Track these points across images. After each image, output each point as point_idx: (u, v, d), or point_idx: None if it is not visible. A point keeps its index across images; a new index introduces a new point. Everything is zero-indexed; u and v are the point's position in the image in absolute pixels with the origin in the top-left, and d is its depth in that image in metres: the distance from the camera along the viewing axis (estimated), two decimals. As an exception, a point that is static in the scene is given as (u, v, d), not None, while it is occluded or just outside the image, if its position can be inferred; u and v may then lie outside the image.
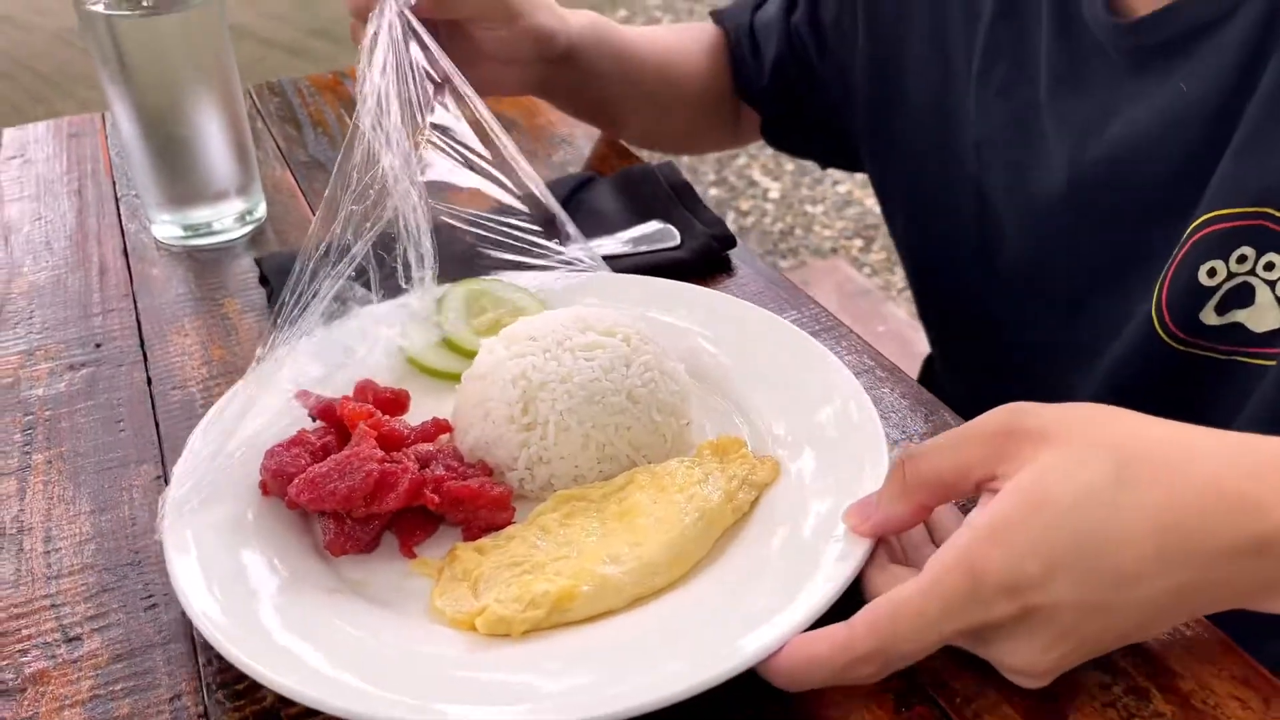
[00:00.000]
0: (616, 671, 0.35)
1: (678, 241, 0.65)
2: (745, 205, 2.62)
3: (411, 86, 0.55)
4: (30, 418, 0.53)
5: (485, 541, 0.43)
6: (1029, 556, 0.33)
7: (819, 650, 0.34)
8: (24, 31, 3.86)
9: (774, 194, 2.67)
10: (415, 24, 0.57)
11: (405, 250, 0.52)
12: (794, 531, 0.41)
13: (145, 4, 0.60)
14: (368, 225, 0.50)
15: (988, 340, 0.69)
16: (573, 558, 0.40)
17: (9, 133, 0.84)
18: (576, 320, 0.48)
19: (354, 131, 0.51)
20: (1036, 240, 0.60)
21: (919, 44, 0.66)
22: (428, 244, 0.52)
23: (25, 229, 0.71)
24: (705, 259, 0.64)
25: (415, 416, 0.49)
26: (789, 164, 2.77)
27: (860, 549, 0.38)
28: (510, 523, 0.43)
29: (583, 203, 0.68)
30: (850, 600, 0.36)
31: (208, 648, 0.39)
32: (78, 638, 0.41)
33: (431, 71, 0.57)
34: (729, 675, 0.34)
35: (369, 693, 0.34)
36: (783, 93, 0.77)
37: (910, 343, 0.74)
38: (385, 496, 0.42)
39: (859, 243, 2.42)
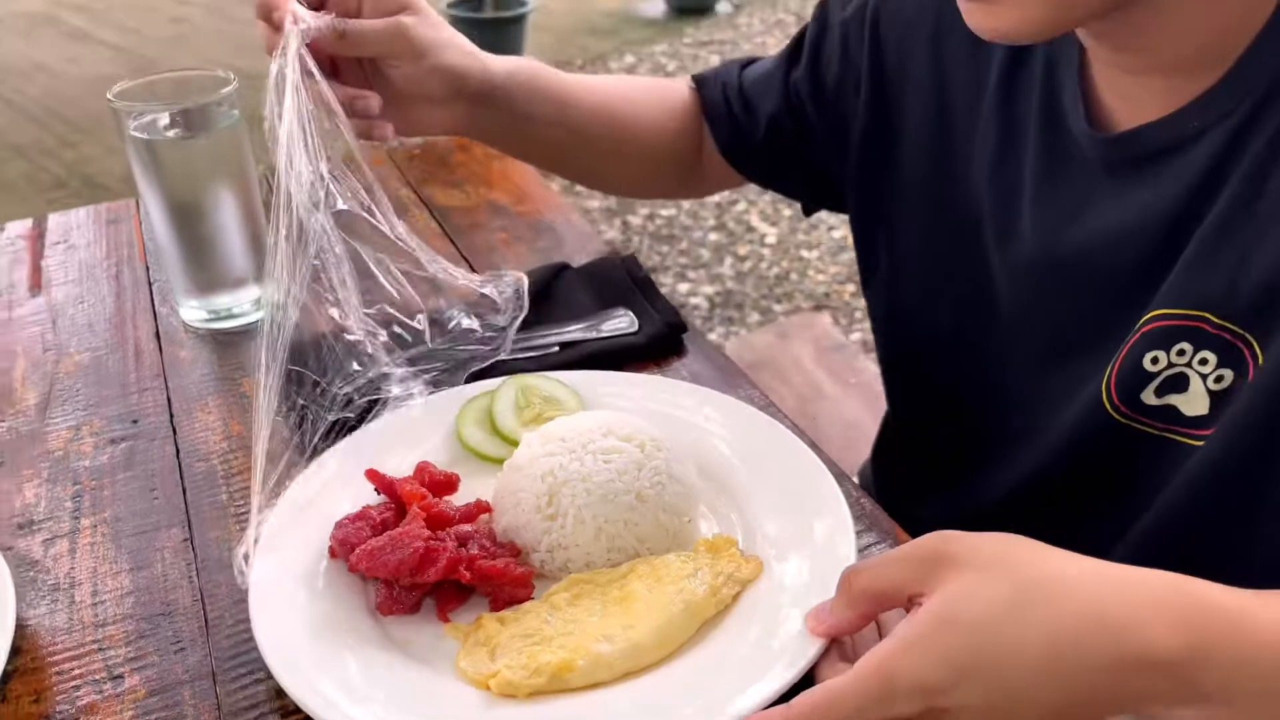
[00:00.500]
0: None
1: (636, 328, 0.74)
2: (743, 250, 2.72)
3: (311, 134, 0.59)
4: (78, 487, 0.63)
5: (506, 613, 0.51)
6: (936, 666, 0.40)
7: None
8: (56, 79, 4.03)
9: (771, 239, 2.77)
10: (313, 65, 0.60)
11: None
12: (765, 627, 0.48)
13: (178, 131, 0.71)
14: (299, 265, 0.56)
15: (946, 400, 0.74)
16: (575, 634, 0.48)
17: (54, 218, 0.95)
18: (601, 425, 0.56)
19: (276, 174, 0.57)
20: (1006, 311, 0.67)
21: (920, 115, 0.71)
22: (349, 280, 0.58)
23: (70, 311, 0.81)
24: (660, 343, 0.73)
25: (465, 494, 0.57)
26: (786, 210, 2.87)
27: (814, 647, 0.46)
28: (529, 598, 0.52)
29: (555, 291, 0.78)
30: (806, 687, 0.42)
31: (227, 684, 0.49)
32: (120, 676, 0.50)
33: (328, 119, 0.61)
34: None
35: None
36: (776, 147, 0.81)
37: (878, 398, 0.82)
38: (427, 570, 0.50)
39: (850, 287, 2.51)
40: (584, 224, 0.92)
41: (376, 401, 0.62)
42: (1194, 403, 0.57)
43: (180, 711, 0.48)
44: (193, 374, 0.73)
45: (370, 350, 0.61)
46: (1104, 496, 0.64)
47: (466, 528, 0.54)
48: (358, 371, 0.62)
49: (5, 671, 0.49)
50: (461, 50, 0.71)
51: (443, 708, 0.46)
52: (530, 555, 0.54)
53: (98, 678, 0.50)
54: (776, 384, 1.35)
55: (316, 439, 0.59)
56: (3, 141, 3.43)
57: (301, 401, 0.61)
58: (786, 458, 0.59)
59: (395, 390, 0.62)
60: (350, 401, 0.61)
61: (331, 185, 0.60)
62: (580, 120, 0.79)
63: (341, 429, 0.61)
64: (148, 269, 0.87)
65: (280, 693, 0.47)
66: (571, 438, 0.55)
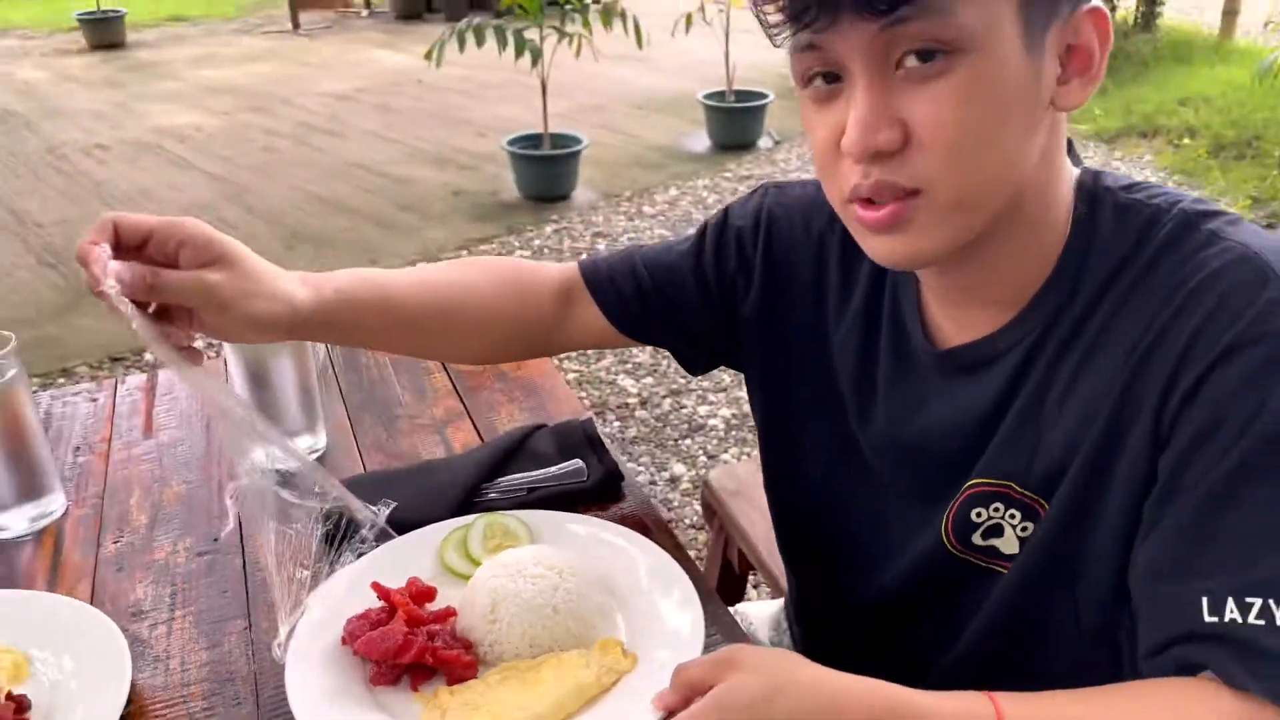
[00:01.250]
0: None
1: (585, 477, 0.99)
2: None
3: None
4: (174, 587, 0.89)
5: (457, 687, 0.74)
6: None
7: None
8: (159, 204, 4.50)
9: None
10: (128, 308, 0.67)
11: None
12: (631, 701, 0.71)
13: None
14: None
15: (824, 539, 0.93)
16: (501, 703, 0.71)
17: (162, 374, 1.24)
18: (534, 556, 0.80)
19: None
20: (869, 466, 0.86)
21: (803, 306, 0.86)
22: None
23: (173, 452, 1.08)
24: (602, 487, 0.98)
25: (443, 600, 0.81)
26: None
27: (655, 718, 0.67)
28: (473, 677, 0.75)
29: (528, 445, 1.03)
30: None
31: (266, 729, 0.73)
32: (197, 721, 0.75)
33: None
34: None
35: None
36: (666, 316, 0.92)
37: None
38: (404, 654, 0.74)
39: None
40: (565, 389, 1.18)
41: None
42: (1008, 545, 0.76)
43: (235, 745, 0.72)
44: (255, 506, 0.99)
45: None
46: (933, 613, 0.84)
47: (436, 626, 0.78)
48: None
49: (122, 716, 0.74)
50: (269, 296, 0.75)
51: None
52: (478, 648, 0.77)
53: (182, 721, 0.75)
54: (749, 509, 1.57)
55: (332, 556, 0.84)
56: (109, 263, 3.86)
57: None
58: (668, 579, 0.82)
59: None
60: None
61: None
62: (418, 320, 0.88)
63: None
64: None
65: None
66: (512, 564, 0.79)
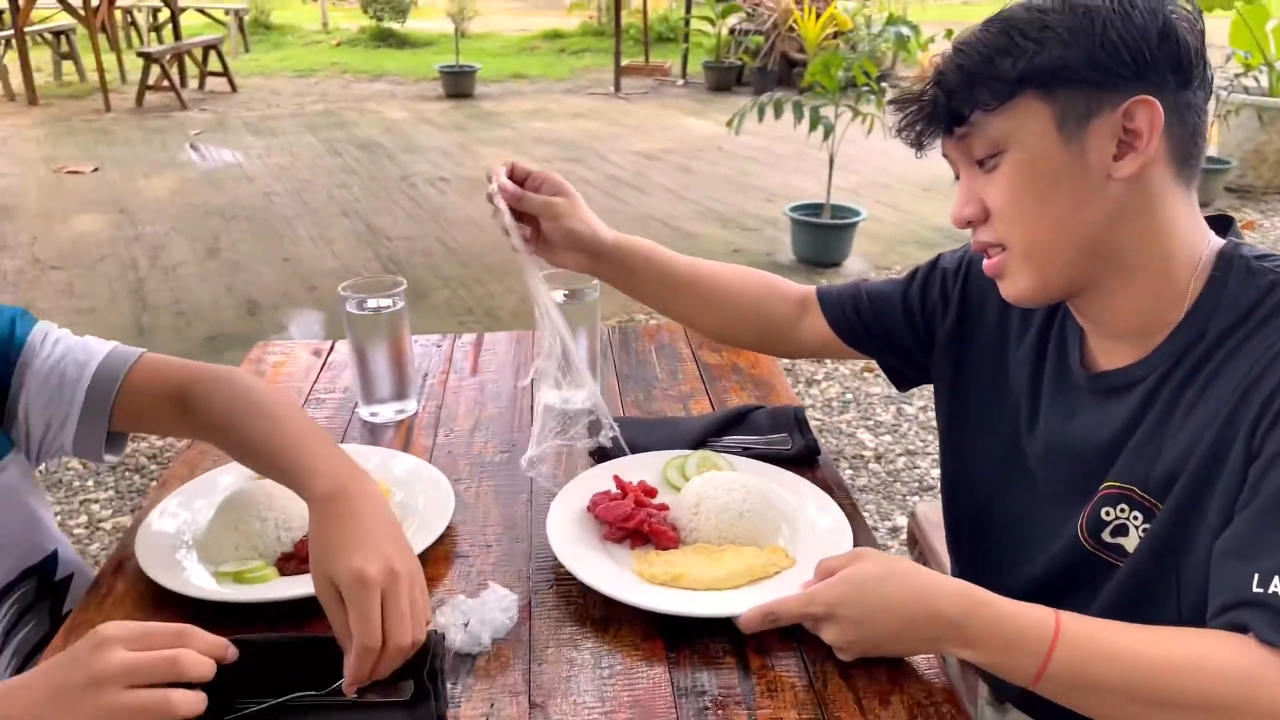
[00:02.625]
0: (691, 603, 0.96)
1: (789, 445, 1.26)
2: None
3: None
4: (482, 469, 1.25)
5: (663, 552, 1.04)
6: (834, 591, 0.88)
7: (754, 616, 0.92)
8: (480, 231, 5.23)
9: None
10: (504, 208, 1.09)
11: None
12: (784, 585, 0.97)
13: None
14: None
15: (986, 534, 1.11)
16: (692, 565, 1.01)
17: (487, 336, 1.65)
18: (733, 477, 1.11)
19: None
20: (1028, 477, 1.05)
21: (987, 336, 1.07)
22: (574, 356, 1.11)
23: (490, 386, 1.47)
24: (802, 456, 1.24)
25: (659, 501, 1.12)
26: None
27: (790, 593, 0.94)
28: (675, 548, 1.05)
29: (750, 418, 1.32)
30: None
31: (537, 568, 1.07)
32: (469, 553, 1.09)
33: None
34: (727, 615, 0.93)
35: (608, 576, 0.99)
36: (882, 334, 1.17)
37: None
38: (630, 520, 1.05)
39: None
40: (785, 384, 1.46)
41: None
42: (1130, 543, 0.90)
43: (516, 571, 1.06)
44: (540, 382, 1.34)
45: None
46: (1058, 602, 0.98)
47: (653, 510, 1.08)
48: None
49: (441, 536, 1.09)
50: (585, 223, 1.12)
51: (625, 581, 1.00)
52: (681, 531, 1.07)
53: (467, 552, 1.10)
54: (944, 539, 1.75)
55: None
56: (437, 274, 4.58)
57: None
58: (830, 517, 1.09)
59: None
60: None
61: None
62: (674, 283, 1.19)
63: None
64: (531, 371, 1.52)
65: (561, 571, 1.03)
66: (716, 479, 1.09)
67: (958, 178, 0.94)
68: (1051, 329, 1.03)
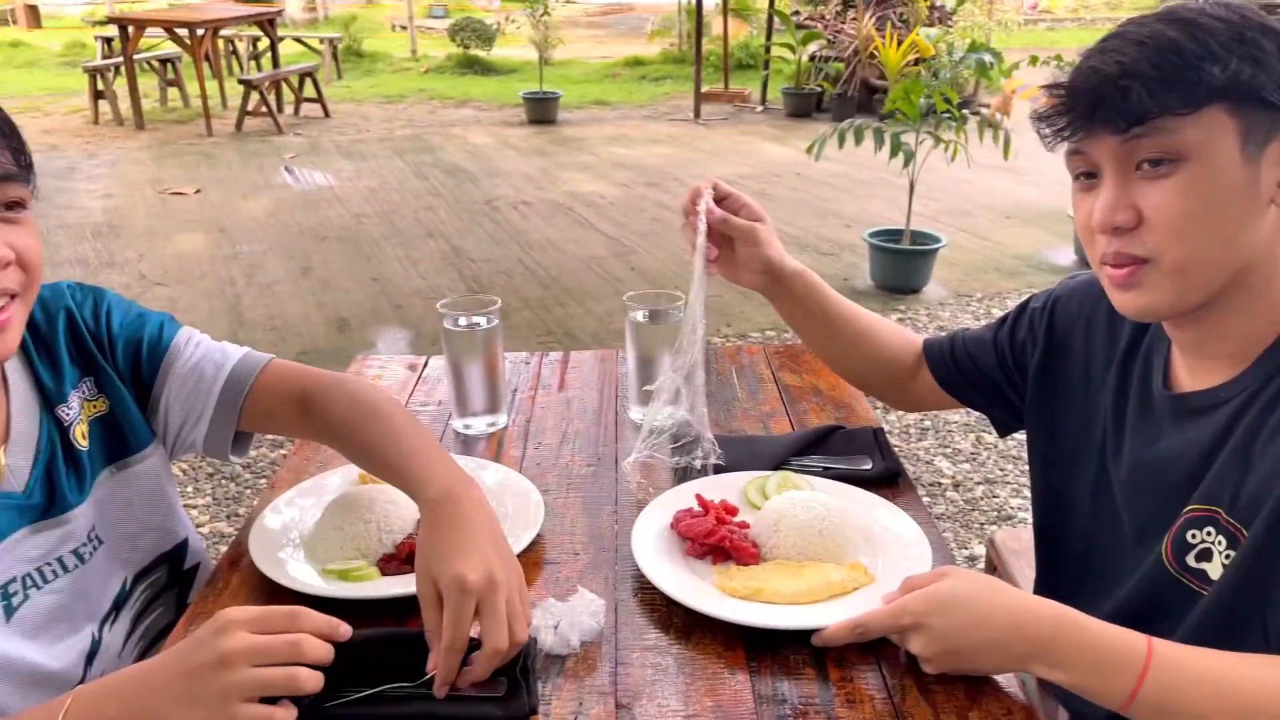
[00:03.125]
0: (772, 616, 0.98)
1: (870, 467, 1.28)
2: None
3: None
4: (569, 481, 1.30)
5: (743, 568, 1.07)
6: (924, 604, 0.90)
7: (841, 629, 0.94)
8: (561, 254, 5.32)
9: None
10: (703, 228, 1.15)
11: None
12: (863, 601, 0.99)
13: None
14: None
15: (1077, 563, 1.11)
16: (771, 580, 1.04)
17: (574, 354, 1.70)
18: (812, 496, 1.14)
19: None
20: (1115, 505, 1.05)
21: (1074, 368, 1.10)
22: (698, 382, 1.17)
23: (576, 402, 1.52)
24: (882, 477, 1.26)
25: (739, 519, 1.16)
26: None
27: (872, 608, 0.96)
28: (755, 564, 1.08)
29: (829, 440, 1.35)
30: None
31: (621, 577, 1.11)
32: (561, 562, 1.14)
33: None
34: (807, 628, 0.96)
35: (690, 589, 1.03)
36: (977, 379, 1.22)
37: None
38: (712, 537, 1.08)
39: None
40: (864, 405, 1.48)
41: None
42: (1215, 570, 0.89)
43: (603, 579, 1.10)
44: (625, 440, 1.39)
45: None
46: (1144, 630, 1.00)
47: (734, 528, 1.12)
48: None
49: (531, 543, 1.14)
50: (775, 250, 1.20)
51: (707, 594, 1.03)
52: (761, 548, 1.10)
53: (556, 559, 1.14)
54: (1026, 569, 1.74)
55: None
56: (518, 295, 4.68)
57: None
58: (912, 536, 1.10)
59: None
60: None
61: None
62: (832, 318, 1.24)
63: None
64: (616, 388, 1.57)
65: (645, 582, 1.07)
66: (796, 497, 1.12)
67: (1077, 178, 0.92)
68: (1137, 352, 1.04)
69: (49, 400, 1.03)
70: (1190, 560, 0.91)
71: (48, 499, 1.01)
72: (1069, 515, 1.12)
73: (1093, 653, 0.84)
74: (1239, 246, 0.86)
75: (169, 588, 1.16)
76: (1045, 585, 1.20)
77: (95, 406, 1.07)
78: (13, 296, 0.92)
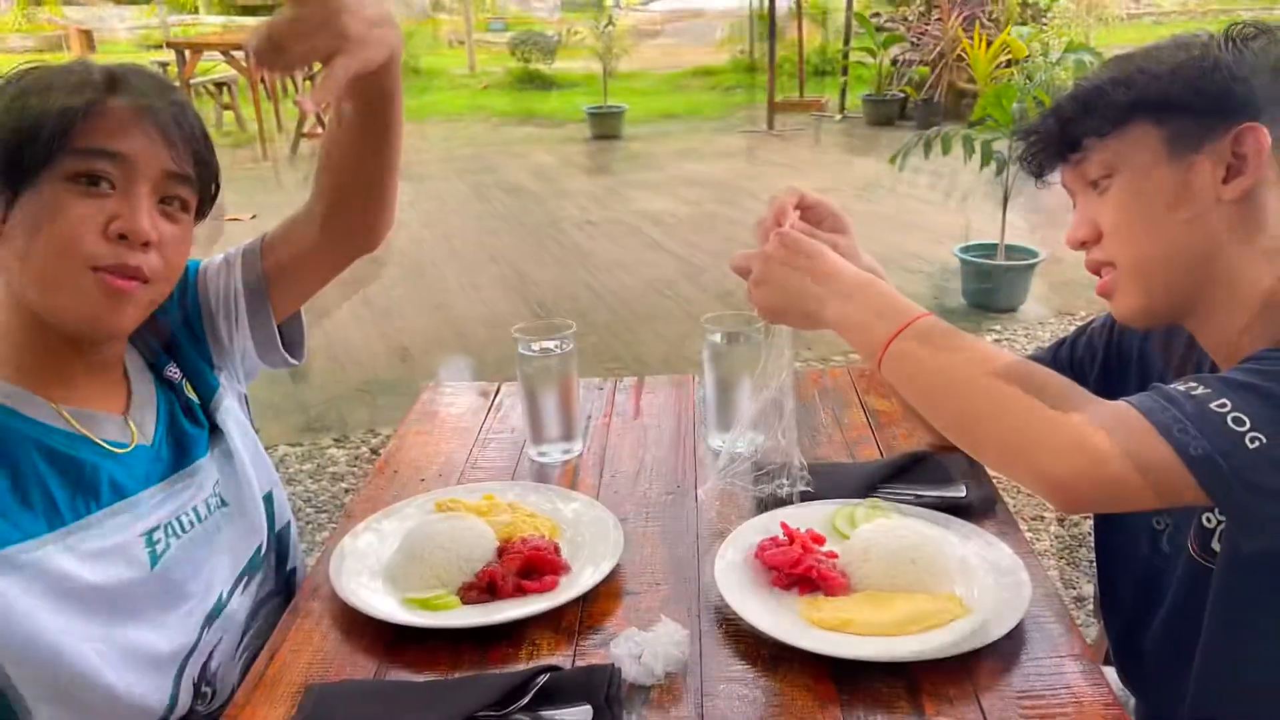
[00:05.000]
0: (854, 647, 1.02)
1: (964, 494, 1.31)
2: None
3: None
4: (648, 510, 1.34)
5: (831, 599, 1.10)
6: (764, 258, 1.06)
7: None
8: (630, 276, 5.41)
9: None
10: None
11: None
12: (958, 635, 1.02)
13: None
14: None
15: (1128, 567, 1.19)
16: (860, 611, 1.08)
17: (648, 379, 1.76)
18: (904, 523, 1.17)
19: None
20: (1166, 518, 1.12)
21: (1132, 384, 1.17)
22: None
23: (652, 430, 1.57)
24: (977, 505, 1.29)
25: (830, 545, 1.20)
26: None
27: (966, 649, 1.01)
28: (844, 595, 1.11)
29: (918, 465, 1.37)
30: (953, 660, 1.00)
31: (708, 604, 1.15)
32: (641, 592, 1.18)
33: None
34: (899, 660, 1.00)
35: (776, 620, 1.07)
36: None
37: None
38: (799, 566, 1.12)
39: None
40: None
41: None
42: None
43: (685, 609, 1.14)
44: (704, 468, 1.43)
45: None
46: (1195, 628, 1.06)
47: (822, 558, 1.15)
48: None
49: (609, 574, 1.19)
50: (861, 265, 1.19)
51: (794, 625, 1.07)
52: (850, 578, 1.13)
53: (636, 589, 1.19)
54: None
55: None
56: (585, 319, 4.76)
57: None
58: (1010, 567, 1.12)
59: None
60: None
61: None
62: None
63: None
64: (694, 415, 1.62)
65: (728, 612, 1.11)
66: (886, 525, 1.16)
67: (1075, 206, 1.07)
68: (1188, 365, 1.10)
69: (155, 367, 1.22)
70: (1214, 544, 1.01)
71: (175, 453, 1.17)
72: (1123, 529, 1.19)
73: (886, 301, 1.00)
74: (1187, 244, 0.97)
75: (276, 592, 1.29)
76: (1106, 601, 1.28)
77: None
78: (145, 282, 1.07)
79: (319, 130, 9.07)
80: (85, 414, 1.10)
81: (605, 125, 9.59)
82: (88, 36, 17.28)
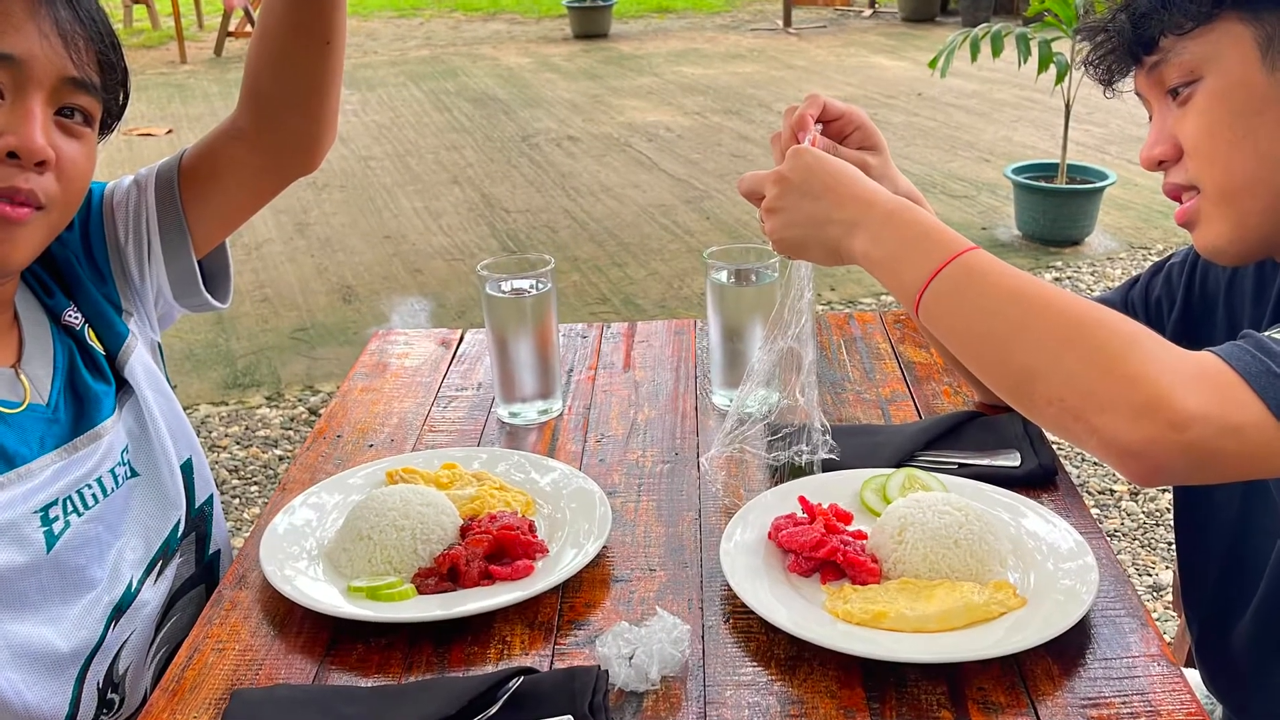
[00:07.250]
0: (887, 646, 1.01)
1: (1019, 464, 1.30)
2: None
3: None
4: (641, 480, 1.33)
5: (860, 587, 1.09)
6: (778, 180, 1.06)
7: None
8: (619, 202, 5.38)
9: None
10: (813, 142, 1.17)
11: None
12: (1012, 633, 1.01)
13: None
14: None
15: (1215, 546, 1.21)
16: (894, 604, 1.06)
17: (640, 325, 1.74)
18: (944, 498, 1.16)
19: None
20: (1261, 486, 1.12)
21: (1216, 327, 1.18)
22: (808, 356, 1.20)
23: (645, 384, 1.56)
24: (1035, 476, 1.27)
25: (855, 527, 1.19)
26: None
27: (1022, 648, 0.99)
28: (876, 583, 1.10)
29: (963, 430, 1.36)
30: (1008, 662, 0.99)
31: (709, 586, 1.14)
32: (654, 569, 1.18)
33: None
34: (941, 661, 0.99)
35: (795, 614, 1.06)
36: None
37: None
38: (820, 549, 1.11)
39: None
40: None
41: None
42: None
43: (686, 600, 1.14)
44: (707, 432, 1.42)
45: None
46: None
47: (848, 538, 1.14)
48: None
49: (595, 558, 1.18)
50: (895, 185, 1.22)
51: (816, 619, 1.06)
52: (882, 564, 1.12)
53: (627, 576, 1.18)
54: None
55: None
56: (565, 254, 4.74)
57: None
58: (1075, 551, 1.11)
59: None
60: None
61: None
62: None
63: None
64: (695, 367, 1.60)
65: (738, 603, 1.10)
66: (924, 500, 1.14)
67: (1151, 119, 1.05)
68: None
69: (52, 310, 1.18)
70: None
71: (76, 414, 1.14)
72: (1209, 505, 1.20)
73: (925, 232, 0.98)
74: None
75: (197, 580, 1.28)
76: (1189, 591, 1.28)
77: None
78: (39, 209, 1.05)
79: (248, 28, 8.94)
80: None
81: (589, 22, 9.47)
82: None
